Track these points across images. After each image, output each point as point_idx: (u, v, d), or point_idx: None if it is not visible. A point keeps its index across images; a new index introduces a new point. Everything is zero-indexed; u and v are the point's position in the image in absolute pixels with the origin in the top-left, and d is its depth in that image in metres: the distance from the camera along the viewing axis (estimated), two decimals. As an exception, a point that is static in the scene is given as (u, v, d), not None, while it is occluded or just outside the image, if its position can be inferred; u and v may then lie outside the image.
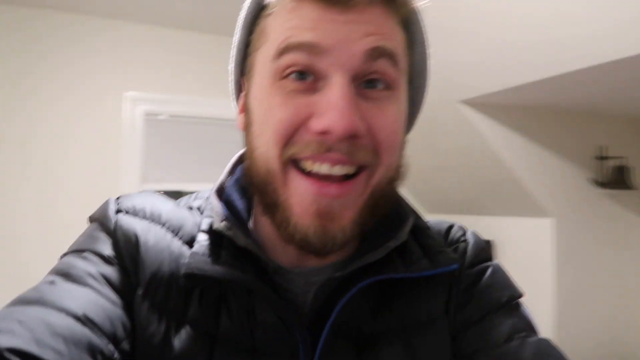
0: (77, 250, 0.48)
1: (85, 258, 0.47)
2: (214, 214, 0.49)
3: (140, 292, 0.46)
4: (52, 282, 0.44)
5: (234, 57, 0.51)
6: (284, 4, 0.44)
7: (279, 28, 0.44)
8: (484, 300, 0.52)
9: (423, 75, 0.53)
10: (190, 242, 0.49)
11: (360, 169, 0.45)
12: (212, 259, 0.46)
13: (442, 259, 0.51)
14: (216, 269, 0.45)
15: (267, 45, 0.45)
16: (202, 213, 0.52)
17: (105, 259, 0.47)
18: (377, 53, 0.43)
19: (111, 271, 0.46)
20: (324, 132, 0.42)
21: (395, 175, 0.48)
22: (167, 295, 0.46)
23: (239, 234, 0.47)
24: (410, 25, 0.49)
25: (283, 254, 0.49)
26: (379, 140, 0.44)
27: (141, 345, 0.45)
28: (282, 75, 0.44)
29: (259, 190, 0.47)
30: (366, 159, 0.44)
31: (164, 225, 0.50)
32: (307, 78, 0.43)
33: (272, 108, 0.44)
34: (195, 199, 0.55)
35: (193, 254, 0.46)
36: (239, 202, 0.51)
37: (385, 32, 0.44)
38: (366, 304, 0.49)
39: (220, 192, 0.52)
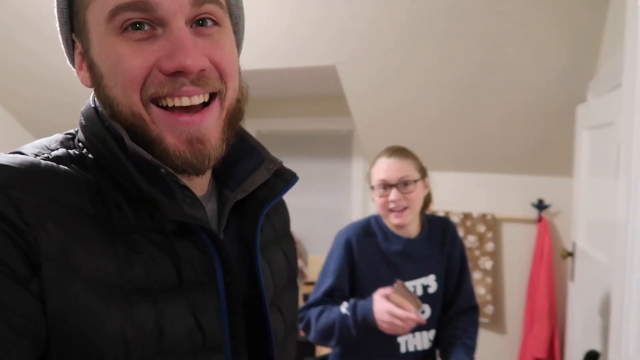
0: None
1: None
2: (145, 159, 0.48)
3: (62, 271, 0.41)
4: None
5: (57, 15, 0.51)
6: None
7: None
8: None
9: (239, 5, 0.59)
10: (102, 204, 0.46)
11: (213, 96, 0.51)
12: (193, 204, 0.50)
13: (289, 176, 0.60)
14: (202, 215, 0.51)
15: (96, 4, 0.47)
16: (83, 163, 0.49)
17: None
18: (202, 0, 0.48)
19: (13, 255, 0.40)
20: (176, 71, 0.46)
21: (240, 94, 0.54)
22: (103, 266, 0.43)
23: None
24: None
25: None
26: (222, 69, 0.50)
27: (78, 317, 0.41)
28: (121, 30, 0.46)
29: (130, 133, 0.48)
30: (215, 86, 0.50)
31: (64, 198, 0.44)
32: (143, 28, 0.46)
33: (120, 59, 0.46)
34: (53, 149, 0.50)
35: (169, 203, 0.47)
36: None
37: None
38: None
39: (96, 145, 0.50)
